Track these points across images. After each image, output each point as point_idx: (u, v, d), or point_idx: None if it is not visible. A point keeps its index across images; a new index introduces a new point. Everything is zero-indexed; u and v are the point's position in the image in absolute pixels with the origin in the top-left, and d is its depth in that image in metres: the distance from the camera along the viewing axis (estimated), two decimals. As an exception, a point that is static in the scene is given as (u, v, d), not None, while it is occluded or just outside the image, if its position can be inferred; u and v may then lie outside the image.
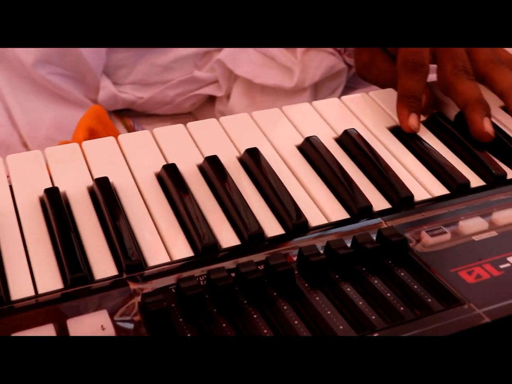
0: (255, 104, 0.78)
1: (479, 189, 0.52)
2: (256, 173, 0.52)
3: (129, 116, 0.80)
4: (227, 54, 0.77)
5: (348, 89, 0.82)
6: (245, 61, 0.78)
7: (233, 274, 0.41)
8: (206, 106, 0.82)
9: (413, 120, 0.57)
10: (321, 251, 0.43)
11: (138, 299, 0.40)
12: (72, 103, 0.76)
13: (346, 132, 0.56)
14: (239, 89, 0.79)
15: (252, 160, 0.53)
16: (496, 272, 0.42)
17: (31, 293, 0.42)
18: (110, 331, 0.37)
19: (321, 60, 0.78)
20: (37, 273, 0.43)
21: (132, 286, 0.41)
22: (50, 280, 0.43)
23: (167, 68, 0.78)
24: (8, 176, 0.51)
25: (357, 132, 0.56)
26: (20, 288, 0.42)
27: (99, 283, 0.42)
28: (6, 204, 0.48)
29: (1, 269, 0.43)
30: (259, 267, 0.42)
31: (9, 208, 0.48)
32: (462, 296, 0.40)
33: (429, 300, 0.40)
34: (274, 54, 0.78)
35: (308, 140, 0.55)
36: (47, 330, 0.37)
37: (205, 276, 0.41)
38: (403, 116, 0.57)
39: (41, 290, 0.42)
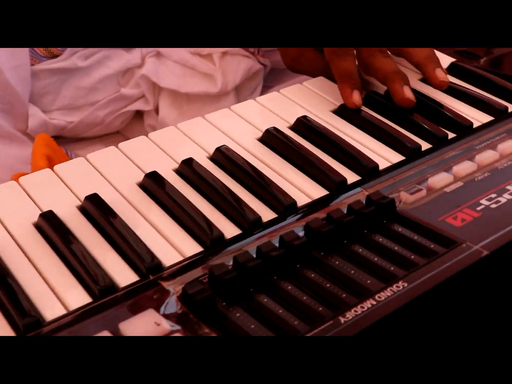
0: (184, 113, 0.81)
1: (429, 151, 0.58)
2: (232, 169, 0.55)
3: (58, 144, 0.80)
4: (149, 69, 0.80)
5: (265, 88, 0.87)
6: (167, 73, 0.81)
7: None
8: (134, 122, 0.83)
9: (356, 96, 0.62)
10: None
11: (176, 293, 0.42)
12: (2, 138, 0.75)
13: (299, 119, 0.61)
14: (165, 101, 0.81)
15: (224, 157, 0.56)
16: (476, 214, 0.48)
17: (63, 311, 0.43)
18: (165, 325, 0.39)
19: (238, 64, 0.82)
20: (61, 293, 0.44)
21: (165, 284, 0.43)
22: (76, 296, 0.44)
23: (92, 89, 0.79)
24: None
25: (309, 117, 0.61)
26: (50, 310, 0.43)
27: (126, 289, 0.44)
28: (3, 236, 0.48)
29: (24, 297, 0.43)
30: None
31: (7, 240, 0.48)
32: (457, 237, 0.45)
33: (432, 246, 0.45)
34: (193, 64, 0.81)
35: (268, 131, 0.59)
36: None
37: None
38: (347, 94, 0.62)
39: (72, 307, 0.43)
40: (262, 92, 0.86)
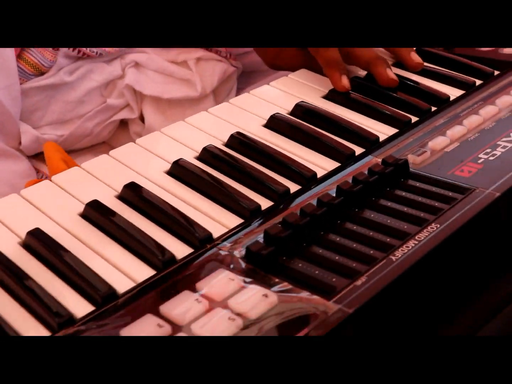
0: (168, 117, 0.85)
1: (417, 123, 0.64)
2: (248, 152, 0.59)
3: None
4: (131, 78, 0.83)
5: (238, 89, 0.92)
6: (148, 82, 0.84)
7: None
8: (119, 132, 0.86)
9: (345, 80, 0.68)
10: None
11: (238, 255, 0.46)
12: (-4, 154, 0.77)
13: (297, 105, 0.66)
14: (149, 108, 0.85)
15: (240, 143, 0.60)
16: (479, 166, 0.54)
17: (132, 284, 0.46)
18: (239, 280, 0.43)
19: (213, 68, 0.87)
20: (125, 269, 0.47)
21: (224, 249, 0.47)
22: (140, 270, 0.47)
23: (79, 102, 0.82)
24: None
25: (306, 102, 0.66)
26: (120, 284, 0.46)
27: (186, 259, 0.47)
28: (53, 227, 0.51)
29: (94, 274, 0.46)
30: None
31: (60, 231, 0.51)
32: (470, 185, 0.52)
33: (450, 194, 0.51)
34: (171, 71, 0.85)
35: (273, 117, 0.64)
36: (187, 295, 0.42)
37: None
38: (336, 78, 0.68)
39: (139, 280, 0.46)
40: (236, 94, 0.90)
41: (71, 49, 0.80)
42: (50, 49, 0.79)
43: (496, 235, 0.49)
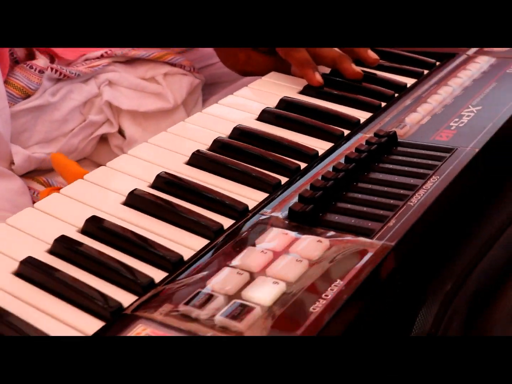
0: (145, 129, 0.91)
1: (386, 106, 0.74)
2: (253, 140, 0.67)
3: (38, 175, 0.87)
4: (109, 95, 0.89)
5: (203, 100, 0.99)
6: (124, 98, 0.91)
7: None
8: (99, 147, 0.92)
9: (318, 76, 0.77)
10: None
11: (281, 216, 0.54)
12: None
13: (282, 99, 0.75)
14: (126, 122, 0.91)
15: (242, 135, 0.68)
16: (453, 131, 0.65)
17: (192, 252, 0.53)
18: (292, 234, 0.51)
19: (180, 81, 0.95)
20: (180, 240, 0.54)
21: (267, 213, 0.55)
22: (195, 241, 0.54)
23: (63, 121, 0.87)
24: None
25: (291, 97, 0.75)
26: (183, 251, 0.53)
27: (232, 227, 0.55)
28: (107, 217, 0.57)
29: (157, 245, 0.53)
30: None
31: (112, 218, 0.56)
32: (452, 146, 0.62)
33: (438, 153, 0.61)
34: (143, 87, 0.92)
35: (264, 111, 0.72)
36: (252, 249, 0.50)
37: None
38: (311, 75, 0.77)
39: (197, 248, 0.53)
40: (202, 104, 0.98)
41: (53, 71, 0.85)
42: (36, 72, 0.84)
43: (479, 180, 0.60)
